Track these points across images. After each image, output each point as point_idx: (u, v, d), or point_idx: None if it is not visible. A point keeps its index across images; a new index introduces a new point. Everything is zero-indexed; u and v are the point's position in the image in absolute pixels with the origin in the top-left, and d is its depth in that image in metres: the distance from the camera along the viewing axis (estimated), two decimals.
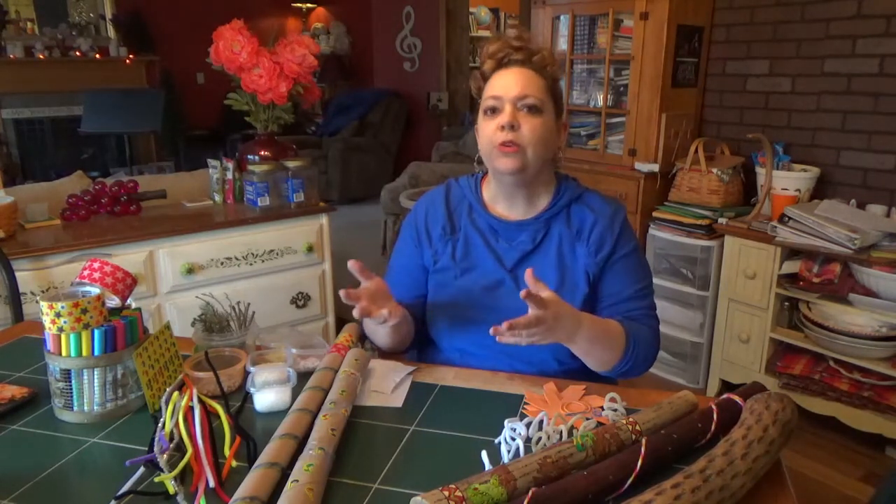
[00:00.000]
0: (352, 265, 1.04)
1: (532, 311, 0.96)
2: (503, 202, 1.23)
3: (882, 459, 2.17)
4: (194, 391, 0.94)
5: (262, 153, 2.37)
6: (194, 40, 4.08)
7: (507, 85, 1.14)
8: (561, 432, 0.90)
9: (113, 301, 1.07)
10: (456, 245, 1.23)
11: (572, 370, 1.19)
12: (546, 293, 0.98)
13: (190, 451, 0.84)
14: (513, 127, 1.11)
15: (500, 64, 1.18)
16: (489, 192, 1.25)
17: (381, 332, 1.18)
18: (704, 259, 2.58)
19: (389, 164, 6.18)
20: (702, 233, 2.56)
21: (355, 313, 1.02)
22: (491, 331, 0.94)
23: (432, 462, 0.88)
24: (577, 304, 1.18)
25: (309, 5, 7.43)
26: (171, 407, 0.90)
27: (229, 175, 2.35)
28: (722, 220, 2.49)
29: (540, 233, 1.21)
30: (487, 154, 1.17)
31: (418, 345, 1.31)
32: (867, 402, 2.14)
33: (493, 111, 1.15)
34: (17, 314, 1.68)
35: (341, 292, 1.00)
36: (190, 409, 0.92)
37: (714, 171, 2.56)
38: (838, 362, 2.25)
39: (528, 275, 0.99)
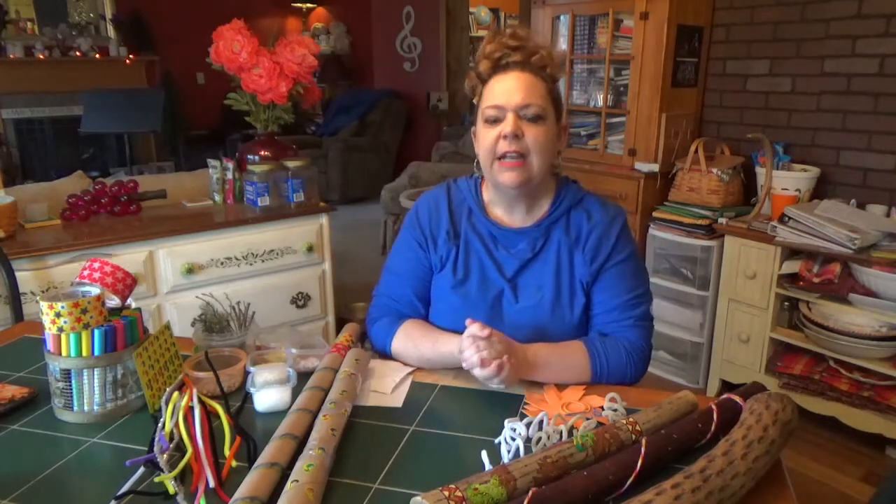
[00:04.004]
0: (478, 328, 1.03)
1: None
2: (503, 208, 1.22)
3: (882, 459, 2.17)
4: (194, 391, 0.94)
5: (262, 153, 2.37)
6: (194, 40, 4.07)
7: (507, 92, 1.11)
8: (561, 432, 0.90)
9: (113, 301, 1.07)
10: (458, 252, 1.22)
11: None
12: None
13: (190, 451, 0.84)
14: (516, 136, 1.09)
15: (498, 66, 1.15)
16: (489, 194, 1.24)
17: (424, 364, 1.16)
18: (704, 259, 2.58)
19: (389, 164, 6.18)
20: (702, 233, 2.56)
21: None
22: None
23: (432, 462, 0.88)
24: (577, 314, 1.18)
25: (309, 5, 7.43)
26: (171, 407, 0.90)
27: (229, 175, 2.35)
28: (722, 220, 2.49)
29: (539, 241, 1.19)
30: (487, 165, 1.15)
31: None
32: (867, 402, 2.14)
33: (495, 120, 1.12)
34: (17, 314, 1.68)
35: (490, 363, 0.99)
36: (190, 409, 0.92)
37: (714, 171, 2.56)
38: (838, 362, 2.25)
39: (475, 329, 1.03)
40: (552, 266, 1.18)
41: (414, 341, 1.17)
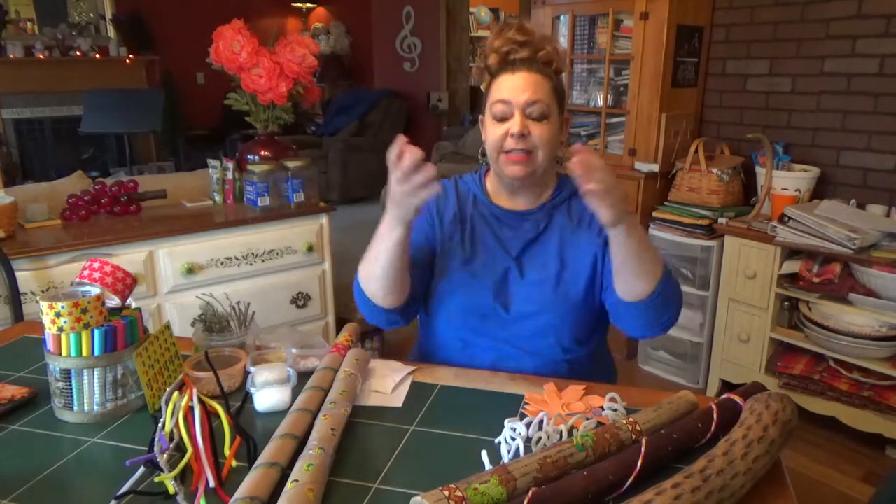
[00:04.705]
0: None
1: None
2: (507, 196, 1.27)
3: (882, 459, 2.17)
4: (194, 391, 0.94)
5: (262, 153, 2.37)
6: (194, 40, 4.07)
7: (515, 89, 1.15)
8: (561, 432, 0.90)
9: (113, 301, 1.07)
10: (464, 233, 1.26)
11: (577, 360, 1.22)
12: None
13: (190, 451, 0.84)
14: (523, 135, 1.14)
15: (506, 61, 1.19)
16: (493, 184, 1.29)
17: (381, 265, 1.11)
18: (704, 259, 2.58)
19: None
20: (702, 233, 2.56)
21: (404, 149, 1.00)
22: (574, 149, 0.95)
23: (432, 462, 0.88)
24: (580, 291, 1.20)
25: (309, 5, 7.43)
26: (171, 407, 0.90)
27: (229, 175, 2.35)
28: (722, 220, 2.49)
29: (542, 222, 1.24)
30: (494, 157, 1.19)
31: (409, 317, 1.27)
32: (867, 402, 2.14)
33: (502, 118, 1.16)
34: (17, 314, 1.68)
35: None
36: (190, 409, 0.92)
37: (714, 171, 2.56)
38: (838, 362, 2.25)
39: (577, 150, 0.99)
40: (555, 245, 1.23)
41: (367, 253, 1.15)
